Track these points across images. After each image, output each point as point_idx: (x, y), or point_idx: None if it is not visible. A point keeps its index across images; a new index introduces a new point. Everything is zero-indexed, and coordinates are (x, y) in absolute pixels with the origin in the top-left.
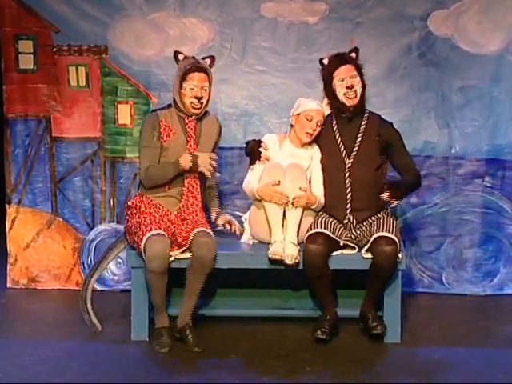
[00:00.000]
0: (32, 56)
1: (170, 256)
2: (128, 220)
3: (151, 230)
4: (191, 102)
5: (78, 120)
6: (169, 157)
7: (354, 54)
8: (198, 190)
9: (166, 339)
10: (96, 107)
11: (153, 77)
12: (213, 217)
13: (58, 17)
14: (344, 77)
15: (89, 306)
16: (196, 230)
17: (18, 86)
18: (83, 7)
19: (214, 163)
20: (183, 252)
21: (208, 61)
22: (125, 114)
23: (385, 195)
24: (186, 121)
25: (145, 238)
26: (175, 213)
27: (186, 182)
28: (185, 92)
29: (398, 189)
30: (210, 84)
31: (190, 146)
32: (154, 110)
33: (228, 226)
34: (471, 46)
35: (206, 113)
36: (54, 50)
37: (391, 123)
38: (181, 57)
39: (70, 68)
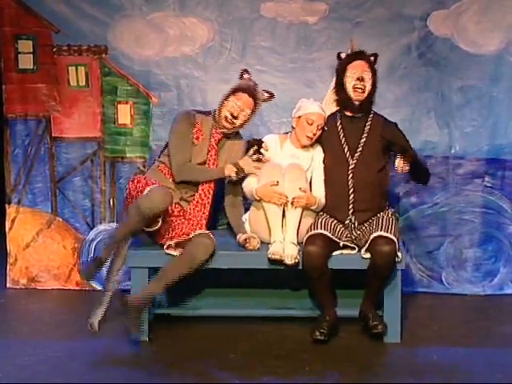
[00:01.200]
0: (32, 56)
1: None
2: (129, 190)
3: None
4: (226, 116)
5: (78, 120)
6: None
7: (372, 58)
8: (210, 199)
9: (92, 269)
10: (96, 107)
11: (152, 77)
12: (238, 237)
13: (57, 17)
14: (357, 70)
15: (102, 308)
16: (199, 232)
17: (17, 86)
18: (83, 7)
19: (258, 158)
20: (175, 245)
21: (266, 95)
22: (125, 114)
23: (398, 160)
24: (213, 130)
25: (148, 188)
26: (174, 204)
27: (200, 188)
28: (226, 104)
29: (410, 157)
30: (251, 113)
31: (211, 156)
32: (194, 110)
33: (247, 244)
34: (471, 45)
35: (237, 133)
36: (54, 49)
37: (395, 123)
38: (246, 76)
39: (69, 68)
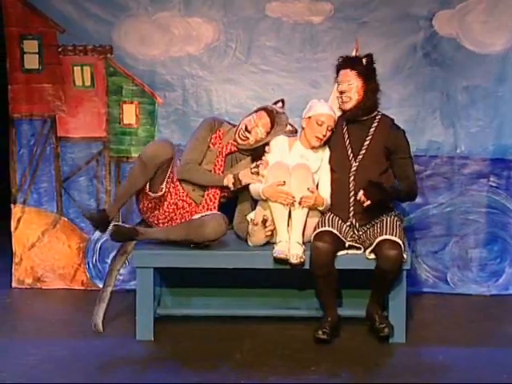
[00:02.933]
0: (37, 56)
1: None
2: None
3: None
4: (240, 128)
5: (83, 120)
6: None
7: (365, 60)
8: (216, 203)
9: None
10: (101, 107)
11: (158, 77)
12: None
13: (63, 17)
14: (340, 81)
15: (103, 305)
16: (213, 212)
17: (23, 86)
18: (88, 7)
19: (256, 172)
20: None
21: (289, 127)
22: (130, 114)
23: (360, 193)
24: (229, 141)
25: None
26: (187, 192)
27: (206, 191)
28: (246, 120)
29: (379, 190)
30: (266, 134)
31: (217, 161)
32: (224, 121)
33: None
34: (476, 45)
35: (251, 153)
36: (59, 49)
37: (403, 131)
38: (279, 104)
39: (75, 68)
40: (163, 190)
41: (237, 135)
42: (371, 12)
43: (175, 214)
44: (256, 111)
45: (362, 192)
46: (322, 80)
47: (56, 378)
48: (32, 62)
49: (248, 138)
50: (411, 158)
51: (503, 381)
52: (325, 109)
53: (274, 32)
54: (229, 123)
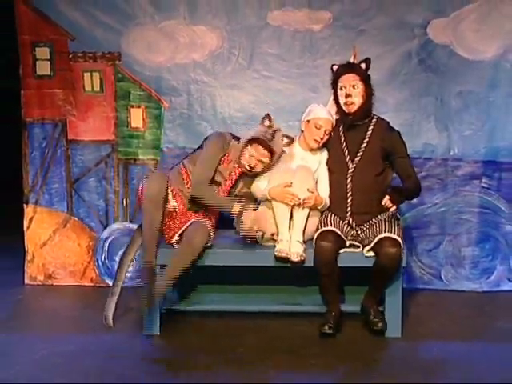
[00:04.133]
0: (49, 62)
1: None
2: None
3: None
4: (244, 166)
5: (93, 123)
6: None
7: (363, 65)
8: (216, 215)
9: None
10: (110, 111)
11: (164, 82)
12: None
13: (73, 25)
14: (344, 85)
15: (114, 299)
16: (193, 220)
17: (35, 91)
18: (97, 16)
19: (256, 231)
20: (179, 238)
21: (286, 140)
22: (137, 118)
23: (386, 199)
24: (236, 168)
25: (146, 175)
26: (186, 203)
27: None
28: (244, 154)
29: (400, 194)
30: (270, 161)
31: (225, 182)
32: (230, 134)
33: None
34: (469, 52)
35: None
36: (70, 56)
37: (398, 132)
38: (266, 122)
39: (84, 74)
40: (171, 203)
41: (243, 169)
42: (368, 20)
43: (173, 223)
44: (250, 142)
45: (387, 197)
46: (321, 85)
47: (66, 371)
48: (44, 68)
49: (254, 171)
50: (409, 157)
51: (495, 373)
52: (323, 113)
53: (275, 39)
54: (233, 136)
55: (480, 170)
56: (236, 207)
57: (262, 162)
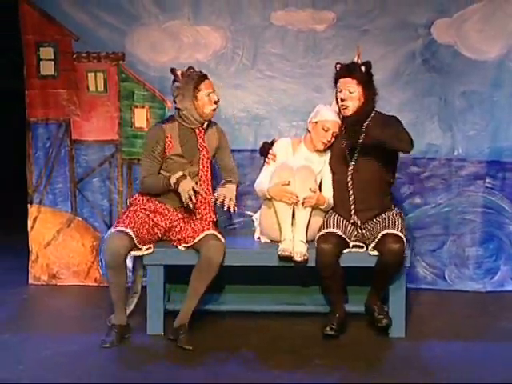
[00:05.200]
0: (53, 62)
1: (128, 254)
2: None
3: (119, 226)
4: (212, 109)
5: (97, 123)
6: (177, 168)
7: (363, 67)
8: (210, 193)
9: (114, 338)
10: (113, 111)
11: (167, 82)
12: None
13: (77, 25)
14: (340, 89)
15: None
16: (206, 233)
17: (39, 91)
18: (101, 16)
19: (192, 195)
20: (187, 248)
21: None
22: (141, 118)
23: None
24: (197, 131)
25: (108, 233)
26: (176, 209)
27: (197, 184)
28: (202, 101)
29: (381, 130)
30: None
31: (204, 155)
32: (158, 123)
33: (221, 201)
34: (473, 52)
35: (210, 122)
36: (74, 56)
37: (394, 116)
38: (179, 72)
39: (88, 74)
40: (144, 249)
41: (211, 116)
42: (372, 20)
43: (173, 236)
44: (196, 88)
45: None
46: (325, 85)
47: (70, 370)
48: (48, 68)
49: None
50: (402, 126)
51: (498, 373)
52: (331, 115)
53: (278, 39)
54: (164, 122)
55: (484, 170)
56: (173, 178)
57: (215, 92)
